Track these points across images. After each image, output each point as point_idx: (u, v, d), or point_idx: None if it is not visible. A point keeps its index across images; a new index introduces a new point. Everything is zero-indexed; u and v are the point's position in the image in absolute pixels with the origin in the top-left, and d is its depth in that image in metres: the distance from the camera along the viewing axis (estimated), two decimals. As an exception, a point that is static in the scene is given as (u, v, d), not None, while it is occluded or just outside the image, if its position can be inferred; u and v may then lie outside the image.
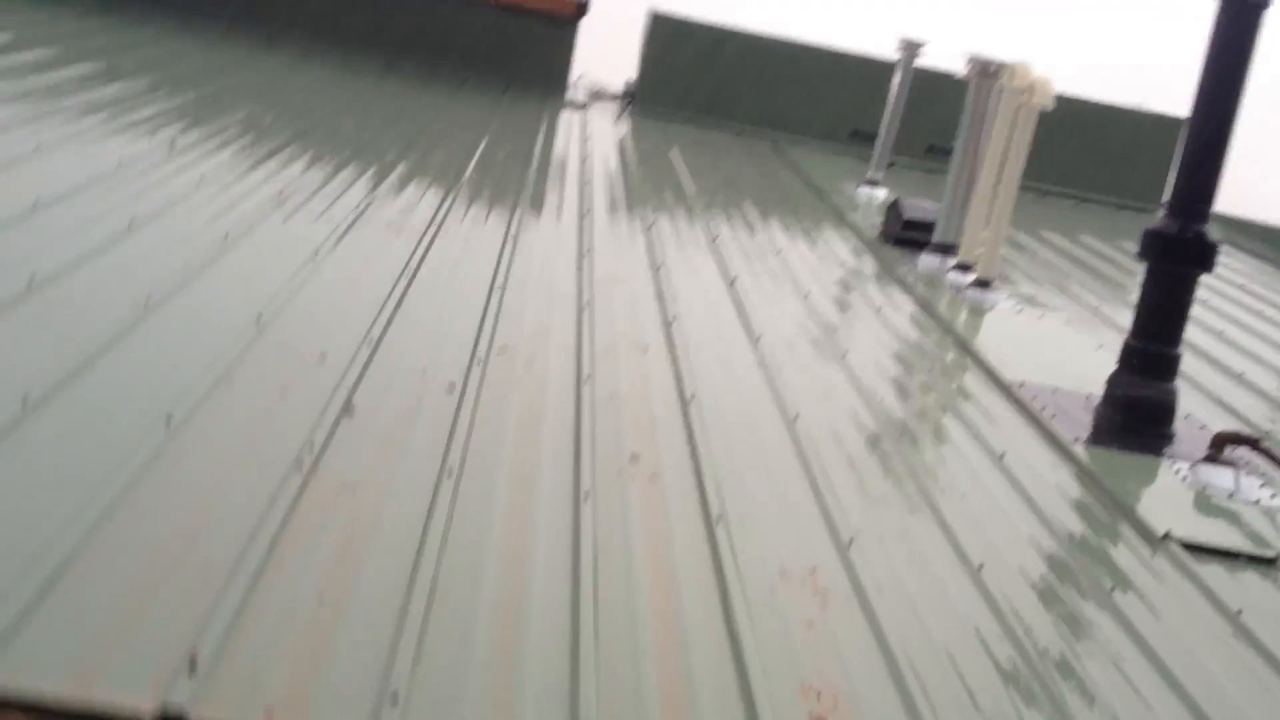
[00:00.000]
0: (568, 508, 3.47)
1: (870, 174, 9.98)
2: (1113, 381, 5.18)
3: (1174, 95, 9.11)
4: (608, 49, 12.26)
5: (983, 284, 7.02)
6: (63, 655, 2.36)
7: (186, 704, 2.29)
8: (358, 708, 2.42)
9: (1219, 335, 7.42)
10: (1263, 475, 4.81)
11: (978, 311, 6.85)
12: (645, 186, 8.84)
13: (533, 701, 2.58)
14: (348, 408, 3.79)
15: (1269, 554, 4.16)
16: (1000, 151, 7.14)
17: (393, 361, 4.27)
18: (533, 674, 2.68)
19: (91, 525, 2.79)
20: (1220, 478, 4.72)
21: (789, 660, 2.97)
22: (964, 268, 7.19)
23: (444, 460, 3.55)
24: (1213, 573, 3.95)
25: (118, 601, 2.57)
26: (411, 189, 7.07)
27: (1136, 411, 5.03)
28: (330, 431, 3.58)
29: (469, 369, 4.34)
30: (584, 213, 7.48)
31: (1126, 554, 4.12)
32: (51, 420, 3.27)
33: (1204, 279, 5.29)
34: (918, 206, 7.86)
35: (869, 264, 7.72)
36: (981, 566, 3.69)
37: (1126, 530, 4.30)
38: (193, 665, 2.40)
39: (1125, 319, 5.41)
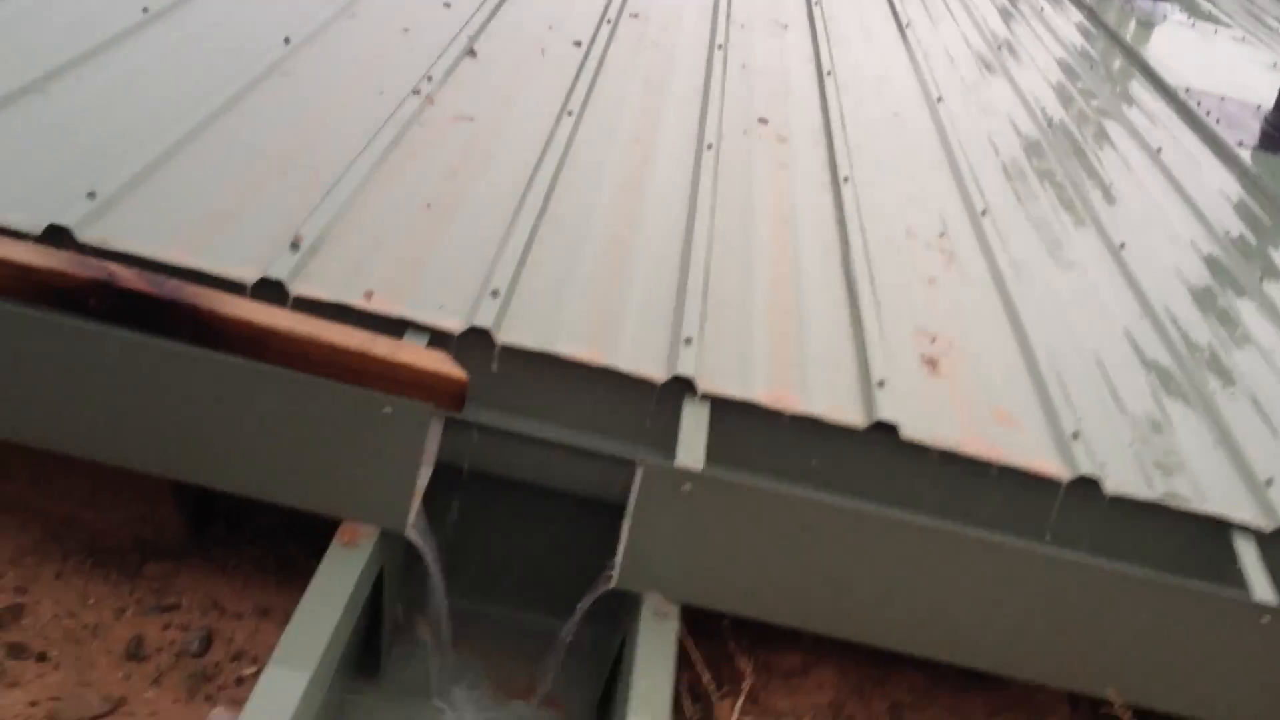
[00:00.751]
0: (689, 155, 3.34)
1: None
2: (1291, 86, 4.77)
3: None
4: None
5: (1158, -7, 6.49)
6: (171, 224, 2.37)
7: (287, 277, 2.28)
8: (458, 297, 2.38)
9: None
10: None
11: (1147, 23, 6.34)
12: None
13: (635, 314, 2.52)
14: (470, 50, 3.67)
15: None
16: None
17: (519, 15, 4.11)
18: (637, 292, 2.61)
19: (202, 121, 2.77)
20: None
21: (905, 307, 2.85)
22: (1140, -24, 6.64)
23: (564, 103, 3.43)
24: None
25: (225, 186, 2.55)
26: None
27: (1313, 117, 4.64)
28: (450, 68, 3.47)
29: (598, 27, 4.16)
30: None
31: (1285, 255, 3.86)
32: (169, 31, 3.22)
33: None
34: (1096, -90, 7.22)
35: (1037, -29, 7.18)
36: (1125, 248, 3.49)
37: (1287, 234, 4.01)
38: (295, 245, 2.38)
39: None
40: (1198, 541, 2.42)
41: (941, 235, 3.28)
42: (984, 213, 3.45)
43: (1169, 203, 4.01)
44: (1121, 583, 2.14)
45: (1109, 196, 3.93)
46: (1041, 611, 2.16)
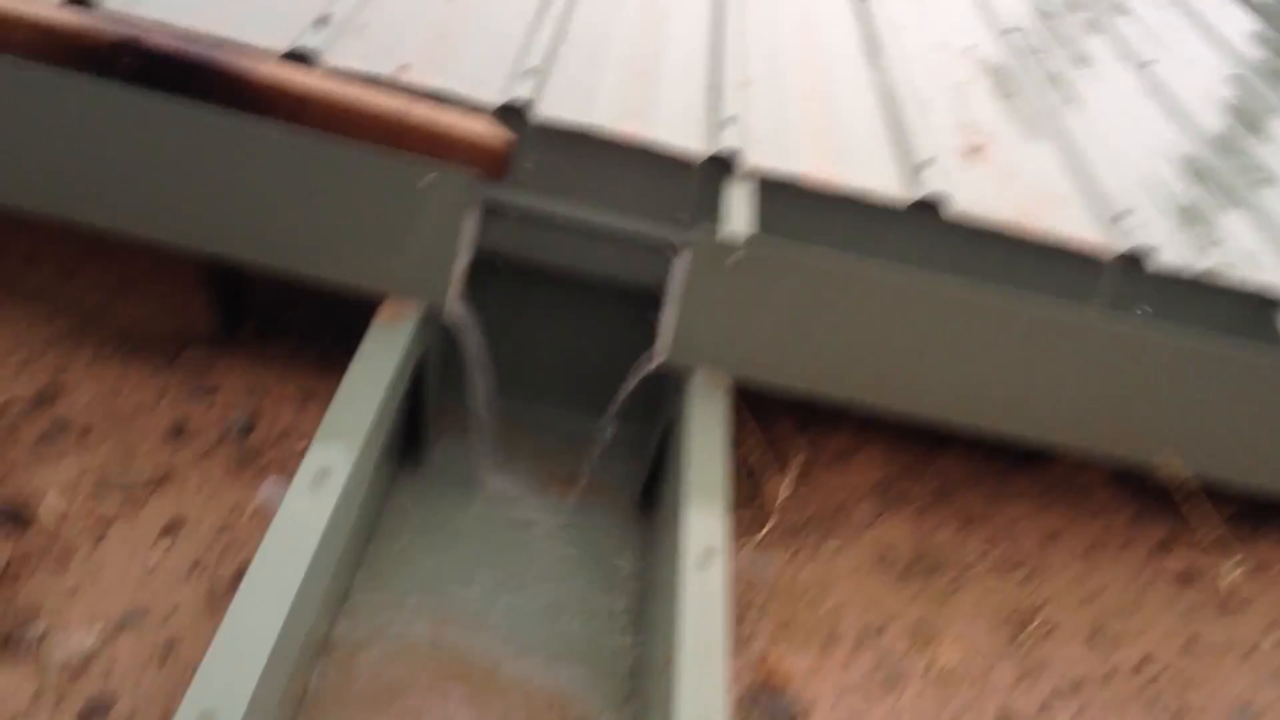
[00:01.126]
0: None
1: None
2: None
3: None
4: None
5: None
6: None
7: (319, 49, 2.21)
8: (493, 76, 2.32)
9: None
10: None
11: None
12: None
13: (671, 101, 2.46)
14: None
15: None
16: None
17: None
18: (670, 82, 2.54)
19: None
20: None
21: (943, 105, 2.79)
22: None
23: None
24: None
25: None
26: None
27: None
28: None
29: None
30: None
31: (1309, 79, 3.80)
32: None
33: None
34: None
35: None
36: (1150, 66, 3.43)
37: (1310, 59, 3.96)
38: (324, 21, 2.30)
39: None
40: (1244, 316, 2.40)
41: (970, 49, 3.21)
42: (1009, 31, 3.39)
43: (1189, 31, 3.95)
44: (1173, 348, 2.11)
45: (1132, 21, 3.86)
46: (1094, 379, 2.13)
